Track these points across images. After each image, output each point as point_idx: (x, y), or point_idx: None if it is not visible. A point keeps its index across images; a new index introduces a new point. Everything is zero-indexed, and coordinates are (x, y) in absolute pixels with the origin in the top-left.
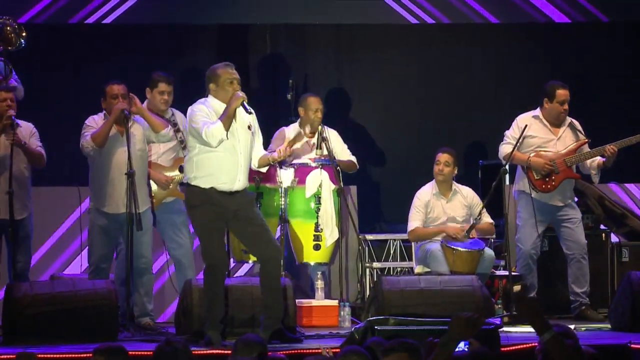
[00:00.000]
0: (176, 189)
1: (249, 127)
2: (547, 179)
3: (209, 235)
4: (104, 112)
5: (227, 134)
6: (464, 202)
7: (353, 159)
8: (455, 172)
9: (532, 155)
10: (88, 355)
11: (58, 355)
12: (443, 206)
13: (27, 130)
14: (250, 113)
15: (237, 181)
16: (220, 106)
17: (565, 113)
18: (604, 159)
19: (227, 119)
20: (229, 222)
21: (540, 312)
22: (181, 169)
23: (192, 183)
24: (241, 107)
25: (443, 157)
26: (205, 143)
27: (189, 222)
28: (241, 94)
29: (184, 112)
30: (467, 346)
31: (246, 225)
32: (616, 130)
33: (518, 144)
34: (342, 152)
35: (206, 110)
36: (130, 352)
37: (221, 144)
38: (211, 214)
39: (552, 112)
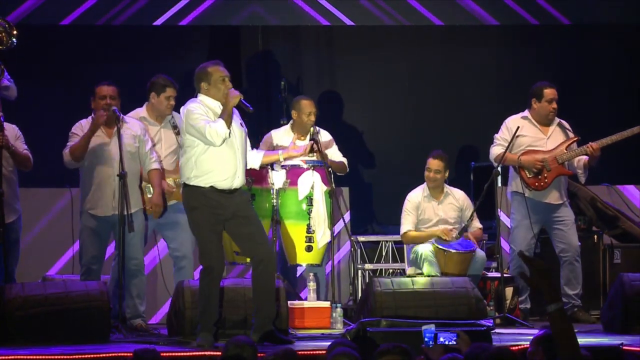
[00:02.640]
0: (179, 192)
1: (241, 125)
2: (539, 177)
3: (207, 237)
4: (92, 115)
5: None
6: (455, 204)
7: (344, 160)
8: (447, 175)
9: (522, 154)
10: (80, 356)
11: (50, 357)
12: (434, 208)
13: (12, 132)
14: (250, 110)
15: (237, 177)
16: (214, 104)
17: (555, 112)
18: (587, 158)
19: (228, 117)
20: (227, 222)
21: (552, 281)
22: None
23: (191, 183)
24: (241, 104)
25: (434, 164)
26: (208, 142)
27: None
28: (238, 92)
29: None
30: (455, 338)
31: (242, 225)
32: (610, 131)
33: (513, 143)
34: (334, 153)
35: (203, 109)
36: (122, 354)
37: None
38: (210, 216)
39: (541, 112)
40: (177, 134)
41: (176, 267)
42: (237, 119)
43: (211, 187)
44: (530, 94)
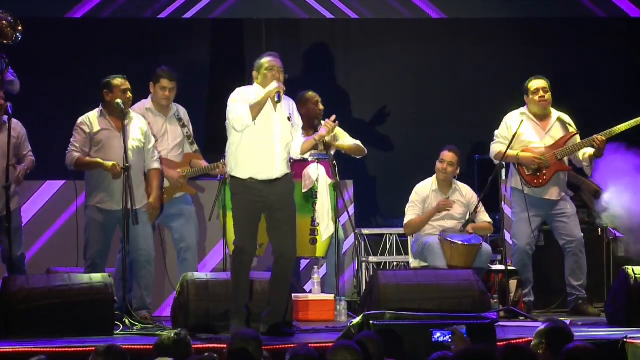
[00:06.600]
0: (186, 184)
1: (289, 119)
2: (538, 174)
3: (241, 223)
4: (100, 108)
5: (258, 122)
6: (462, 200)
7: (358, 142)
8: (457, 172)
9: (520, 151)
10: (84, 349)
11: (54, 349)
12: None
13: (18, 132)
14: (278, 102)
15: (275, 170)
16: (262, 92)
17: (546, 102)
18: (593, 150)
19: (257, 105)
20: (266, 210)
21: None
22: (191, 165)
23: (232, 174)
24: (273, 95)
25: (448, 157)
26: (232, 126)
27: (195, 216)
28: (277, 83)
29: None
30: (449, 335)
31: (274, 217)
32: (611, 124)
33: (513, 140)
34: (346, 138)
35: (244, 95)
36: (126, 346)
37: (256, 132)
38: (248, 204)
39: (533, 105)
40: (183, 126)
41: (180, 258)
42: (285, 112)
43: (250, 178)
44: (522, 92)
